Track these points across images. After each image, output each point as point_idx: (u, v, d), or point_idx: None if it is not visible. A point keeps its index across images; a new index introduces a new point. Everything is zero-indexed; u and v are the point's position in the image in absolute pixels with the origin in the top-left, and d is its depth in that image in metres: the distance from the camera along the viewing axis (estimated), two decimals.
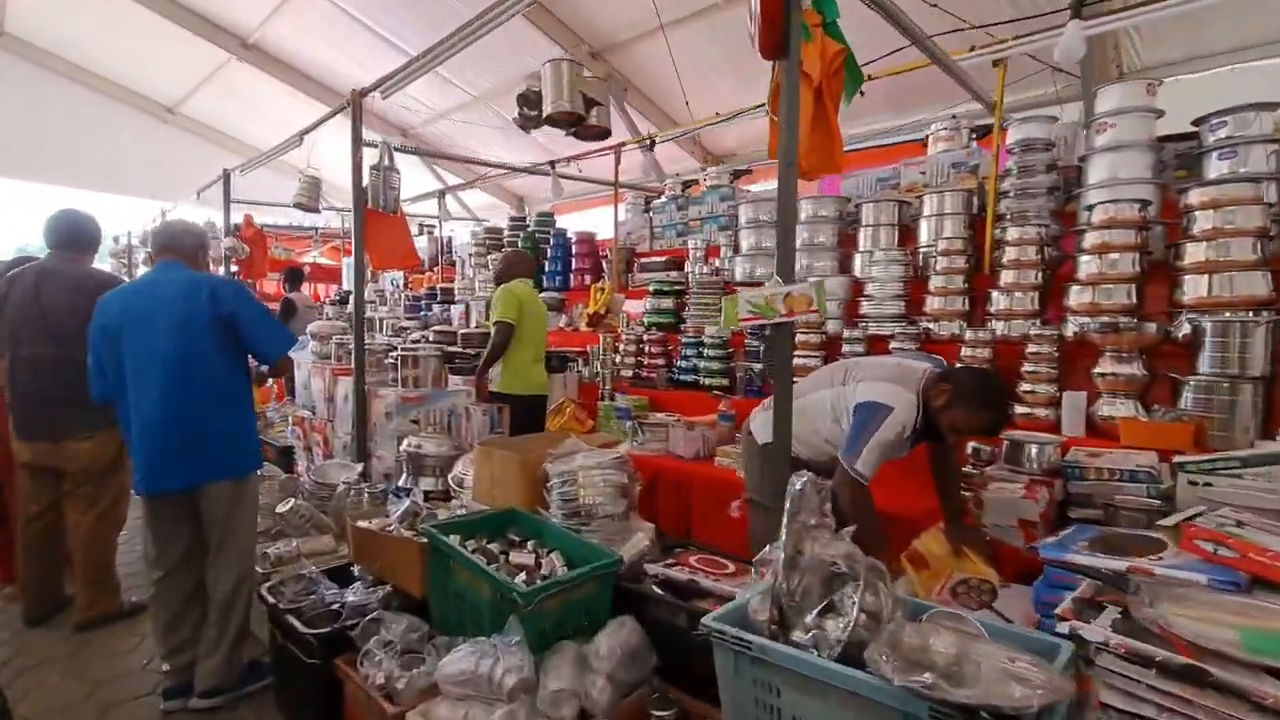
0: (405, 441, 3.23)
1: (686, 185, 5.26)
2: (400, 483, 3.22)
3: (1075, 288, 2.76)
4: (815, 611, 1.33)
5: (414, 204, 7.18)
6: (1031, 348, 2.74)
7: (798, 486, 1.43)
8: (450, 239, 7.91)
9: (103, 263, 8.10)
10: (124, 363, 2.23)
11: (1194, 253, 2.51)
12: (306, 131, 4.14)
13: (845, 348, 3.27)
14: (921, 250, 3.50)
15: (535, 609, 1.81)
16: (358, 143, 3.32)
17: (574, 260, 5.62)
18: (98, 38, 8.61)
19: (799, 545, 1.42)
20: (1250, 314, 2.35)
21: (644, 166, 4.24)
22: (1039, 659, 1.19)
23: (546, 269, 5.68)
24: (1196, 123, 2.83)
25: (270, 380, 4.33)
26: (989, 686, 1.06)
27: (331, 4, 6.68)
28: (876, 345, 3.27)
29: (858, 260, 3.77)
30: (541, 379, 3.76)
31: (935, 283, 3.21)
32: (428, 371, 3.51)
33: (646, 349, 4.20)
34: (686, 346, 3.98)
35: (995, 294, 3.04)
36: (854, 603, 1.25)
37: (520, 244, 5.86)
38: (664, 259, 4.90)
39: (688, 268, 4.76)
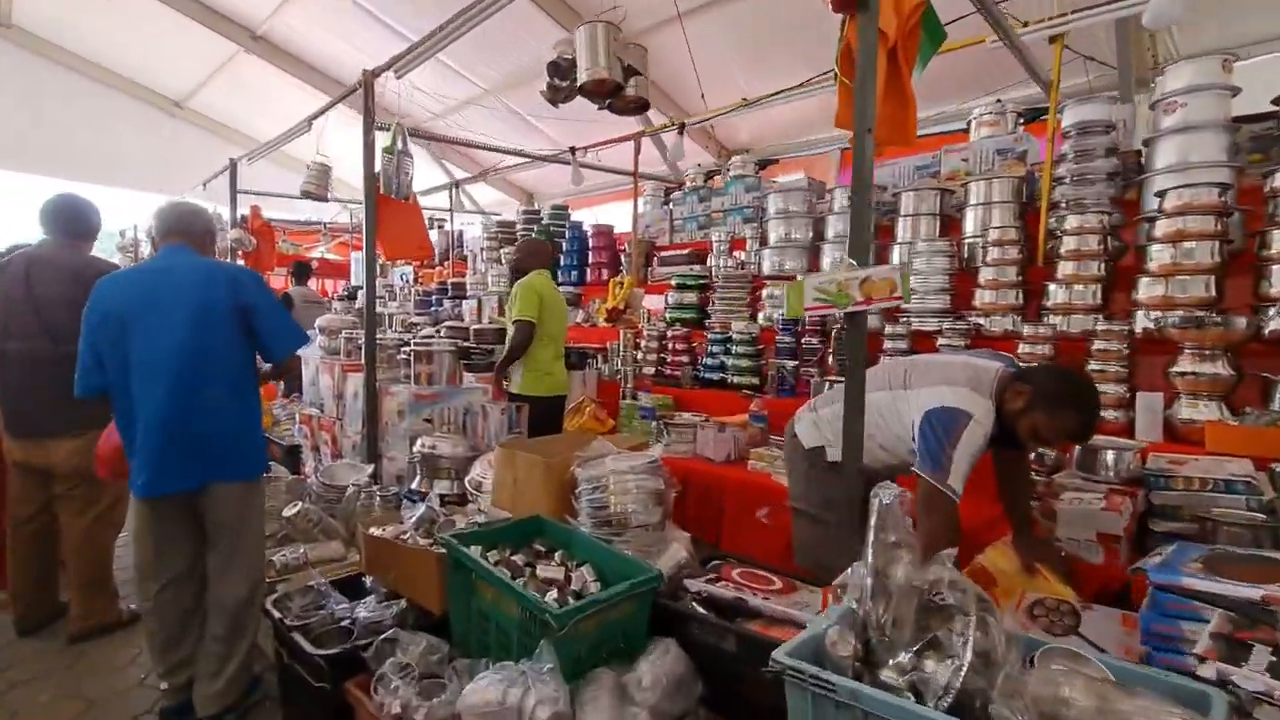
0: (419, 442, 3.04)
1: (709, 176, 5.06)
2: (414, 485, 3.03)
3: (1145, 280, 2.55)
4: (911, 648, 1.13)
5: (423, 197, 7.00)
6: (1098, 345, 2.52)
7: (885, 500, 1.23)
8: (461, 233, 7.73)
9: (110, 257, 7.99)
10: (129, 353, 2.03)
11: None
12: (315, 116, 3.96)
13: (887, 344, 3.07)
14: (967, 241, 3.29)
15: (570, 632, 1.61)
16: (370, 124, 3.13)
17: (591, 254, 5.42)
18: (106, 31, 8.50)
19: (887, 568, 1.22)
20: None
21: (672, 152, 4.04)
22: (1190, 713, 0.99)
23: (562, 263, 5.49)
24: (1278, 101, 2.61)
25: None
26: None
27: None
28: (920, 341, 3.06)
29: (896, 252, 3.56)
30: (562, 377, 3.55)
31: (985, 275, 3.00)
32: (442, 368, 3.32)
33: (670, 345, 4.00)
34: (713, 343, 3.78)
35: (1052, 287, 2.83)
36: (966, 641, 1.05)
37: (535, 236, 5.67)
38: (686, 252, 4.70)
39: (711, 261, 4.57)
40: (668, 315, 4.30)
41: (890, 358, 3.02)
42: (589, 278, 5.46)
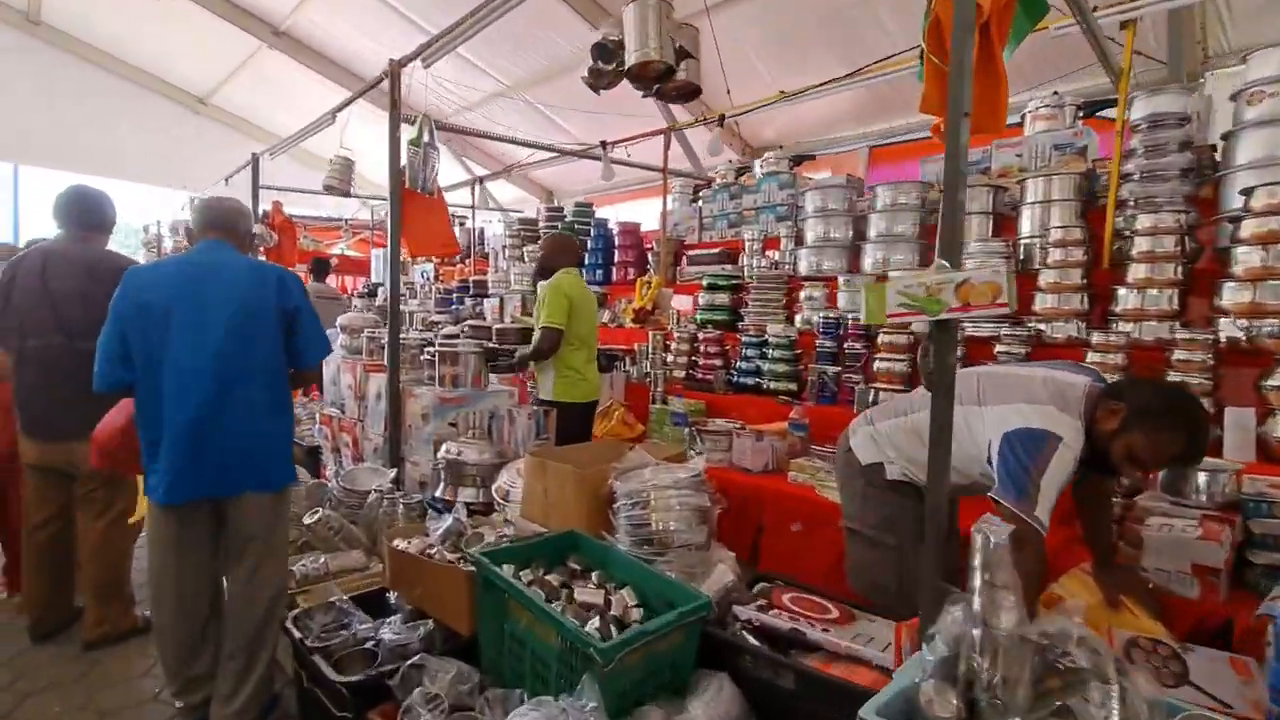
0: (444, 448, 2.91)
1: (740, 172, 4.89)
2: (438, 493, 2.91)
3: (1230, 285, 2.35)
4: (1033, 717, 0.97)
5: (445, 194, 6.92)
6: (1178, 354, 2.32)
7: (995, 539, 1.06)
8: (482, 230, 7.62)
9: (134, 254, 8.00)
10: (165, 348, 1.90)
11: None
12: (339, 108, 3.86)
13: None
14: (1023, 241, 3.09)
15: (616, 667, 1.47)
16: (396, 116, 3.01)
17: (617, 252, 5.28)
18: (132, 27, 8.55)
19: (992, 615, 1.06)
20: None
21: (710, 146, 3.88)
22: None
23: (587, 261, 5.34)
24: None
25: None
26: None
27: None
28: (975, 348, 2.87)
29: None
30: (595, 382, 3.38)
31: (1046, 278, 2.81)
32: (467, 369, 3.19)
33: (702, 348, 3.84)
34: (747, 346, 3.62)
35: (1122, 291, 2.63)
36: (1109, 717, 0.88)
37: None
38: (716, 251, 4.53)
39: (742, 261, 4.40)
40: (698, 316, 4.14)
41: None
42: (615, 277, 5.32)
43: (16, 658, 2.63)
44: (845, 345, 3.24)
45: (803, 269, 3.87)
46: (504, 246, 6.42)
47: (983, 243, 3.04)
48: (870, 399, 2.99)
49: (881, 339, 3.06)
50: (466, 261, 7.12)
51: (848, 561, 2.11)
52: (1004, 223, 3.30)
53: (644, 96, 2.26)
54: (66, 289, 2.56)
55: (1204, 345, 2.29)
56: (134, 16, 8.24)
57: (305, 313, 2.08)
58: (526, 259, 5.96)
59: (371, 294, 7.08)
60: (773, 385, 3.44)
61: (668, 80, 2.18)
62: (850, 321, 3.25)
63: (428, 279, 7.29)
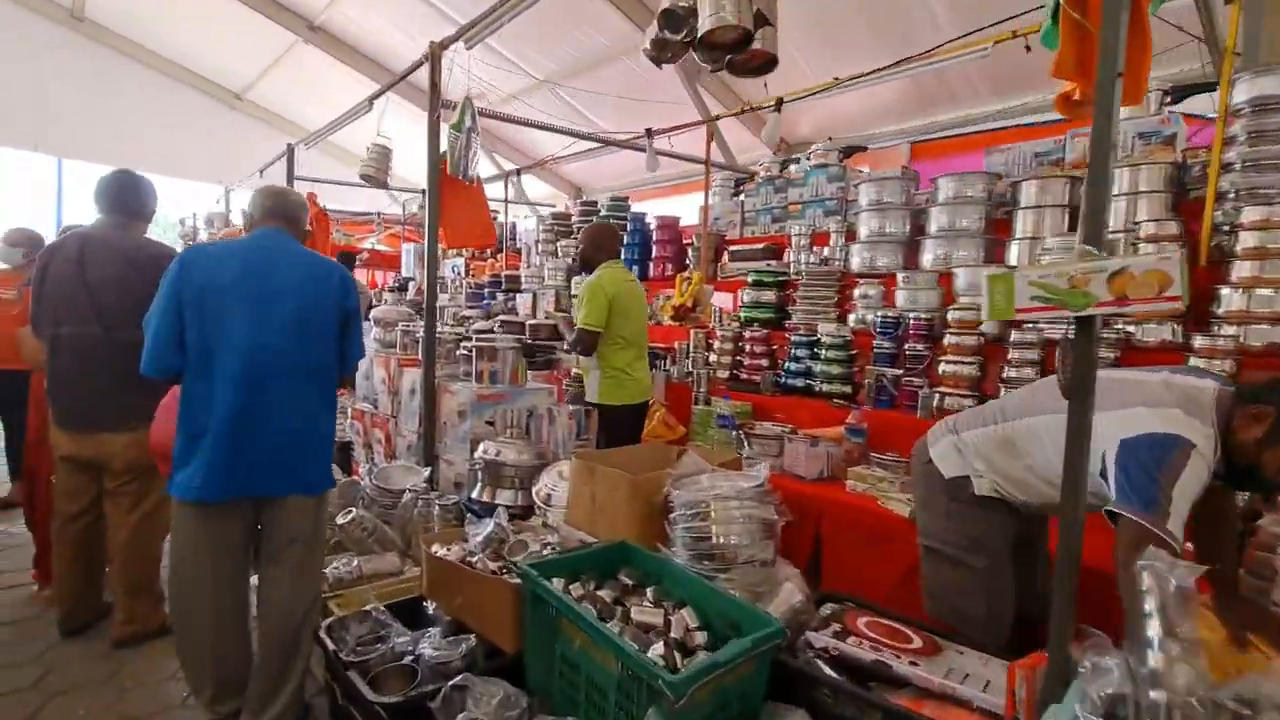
0: (481, 447, 2.78)
1: (785, 164, 4.69)
2: (474, 494, 2.78)
3: None
4: None
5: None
6: None
7: (1177, 581, 0.87)
8: (514, 225, 7.52)
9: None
10: (222, 336, 1.78)
11: None
12: (376, 95, 3.76)
13: (1013, 354, 2.67)
14: (1105, 236, 2.85)
15: (687, 703, 1.30)
16: (436, 100, 2.89)
17: (655, 247, 5.11)
18: (172, 23, 8.67)
19: (1172, 676, 0.87)
20: None
21: (768, 134, 3.68)
22: None
23: (623, 257, 5.18)
24: None
25: None
26: None
27: None
28: (1051, 350, 2.64)
29: (1014, 249, 3.14)
30: (646, 381, 3.18)
31: None
32: (505, 365, 3.06)
33: (747, 347, 3.66)
34: (797, 346, 3.42)
35: (1225, 291, 2.39)
36: None
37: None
38: (760, 246, 4.34)
39: (788, 256, 4.20)
40: (742, 314, 3.96)
41: (1013, 374, 2.62)
42: (652, 273, 5.15)
43: (46, 653, 2.57)
44: (906, 346, 3.04)
45: (855, 265, 3.66)
46: (536, 241, 6.30)
47: (1061, 238, 2.81)
48: (935, 404, 2.79)
49: (948, 340, 2.85)
50: (498, 256, 7.02)
51: (926, 583, 1.92)
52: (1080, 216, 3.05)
53: (713, 70, 2.09)
54: (104, 276, 2.48)
55: None
56: (174, 12, 8.35)
57: (357, 316, 2.02)
58: (560, 254, 5.84)
59: (402, 288, 7.03)
60: (825, 387, 3.24)
61: (742, 50, 2.00)
62: (911, 321, 3.04)
63: (458, 274, 7.20)
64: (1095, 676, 0.96)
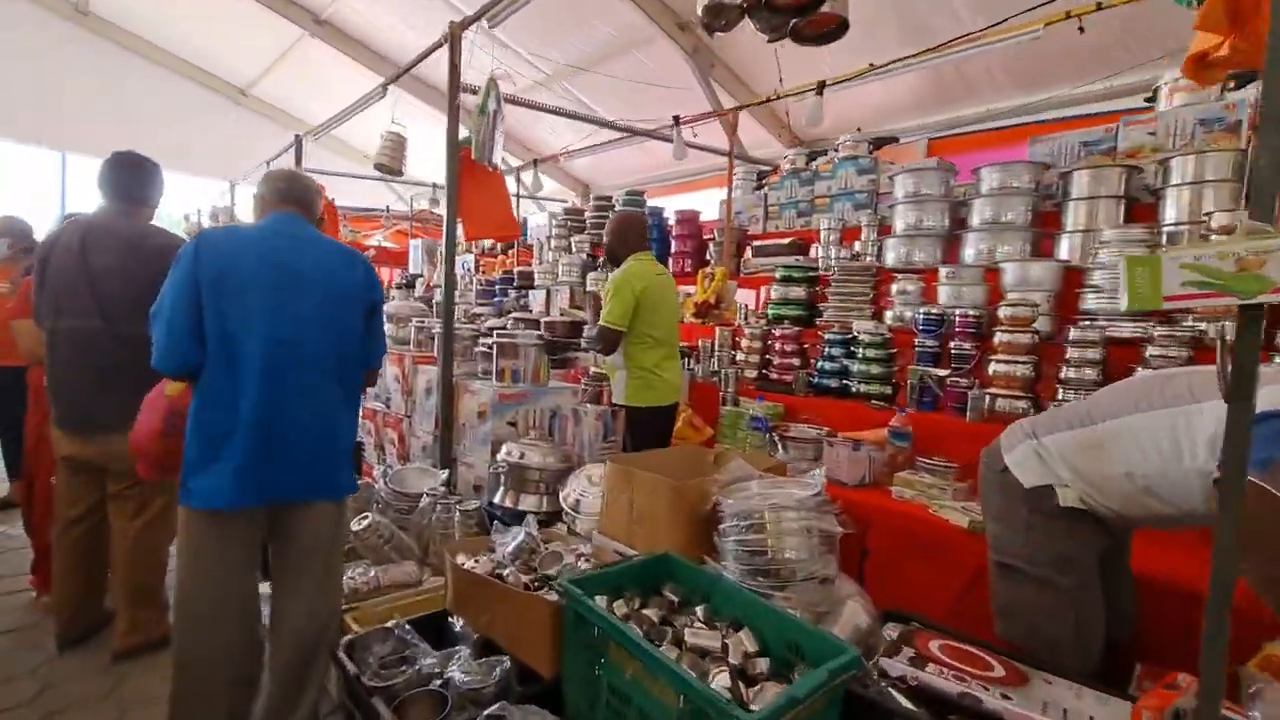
0: (504, 449, 2.63)
1: (812, 157, 4.52)
2: (496, 499, 2.63)
3: None
4: None
5: None
6: None
7: None
8: (525, 220, 7.36)
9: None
10: (246, 327, 1.62)
11: None
12: (394, 79, 3.61)
13: (1072, 352, 2.50)
14: (1165, 229, 2.69)
15: None
16: (455, 82, 2.73)
17: (674, 243, 4.96)
18: (177, 17, 8.54)
19: None
20: None
21: (810, 115, 3.51)
22: None
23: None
24: None
25: None
26: None
27: None
28: (1115, 352, 2.49)
29: (1064, 243, 2.98)
30: (674, 383, 3.01)
31: None
32: (528, 363, 2.90)
33: (777, 346, 3.50)
34: (831, 344, 3.26)
35: None
36: None
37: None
38: (786, 241, 4.18)
39: (816, 251, 4.04)
40: (770, 311, 3.80)
41: (1072, 374, 2.45)
42: (671, 269, 4.98)
43: (43, 666, 2.42)
44: (951, 345, 2.87)
45: (890, 261, 3.50)
46: (549, 236, 6.15)
47: (1121, 229, 2.65)
48: (985, 405, 2.62)
49: (998, 338, 2.68)
50: (508, 252, 6.87)
51: (998, 601, 1.76)
52: (1135, 209, 2.89)
53: (770, 40, 1.93)
54: (107, 264, 2.33)
55: None
56: (179, 6, 8.22)
57: (380, 308, 1.89)
58: (574, 249, 5.68)
59: (410, 285, 6.88)
60: (862, 388, 3.08)
61: (810, 12, 1.83)
62: (957, 318, 2.88)
63: (468, 270, 7.05)
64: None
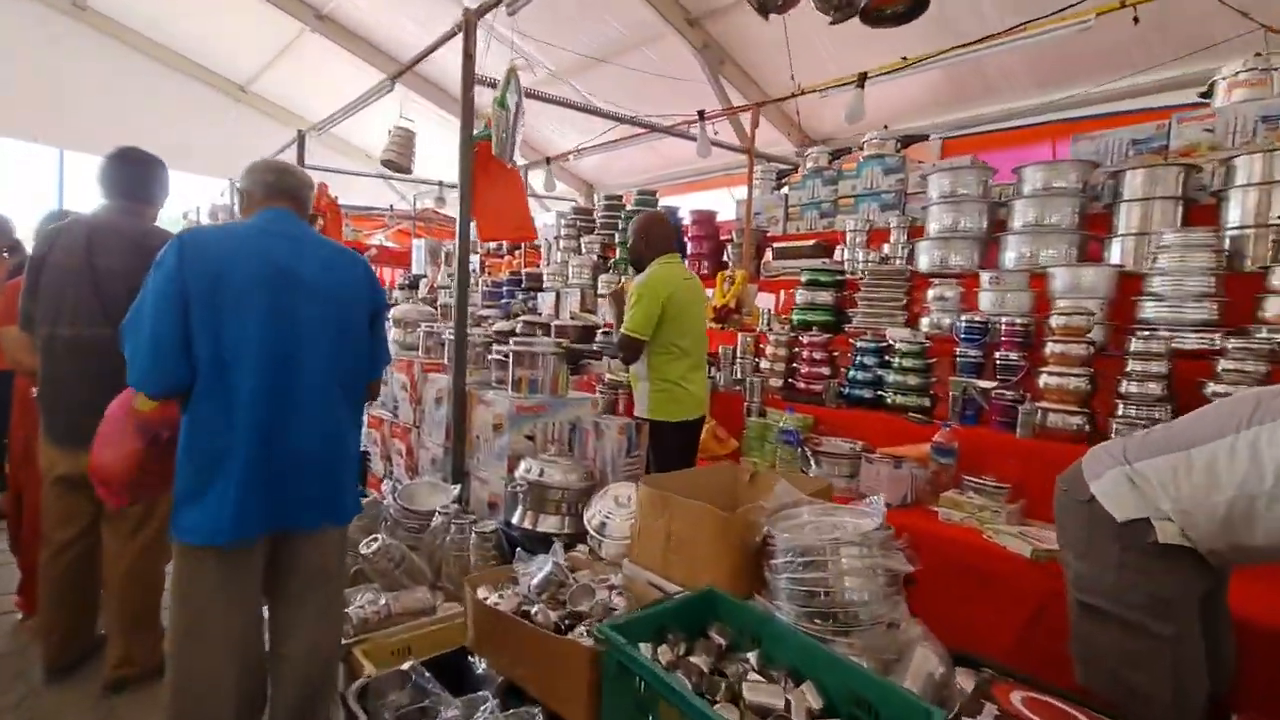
0: (522, 466, 2.46)
1: (835, 155, 4.36)
2: (514, 519, 2.46)
3: None
4: None
5: None
6: None
7: None
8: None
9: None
10: (243, 338, 1.46)
11: None
12: (401, 73, 3.44)
13: (1134, 365, 2.33)
14: (1229, 233, 2.53)
15: None
16: (470, 71, 2.56)
17: (689, 244, 4.79)
18: (176, 12, 8.42)
19: None
20: None
21: (850, 112, 3.32)
22: None
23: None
24: None
25: None
26: None
27: None
28: (1183, 365, 2.32)
29: (1116, 246, 2.81)
30: (701, 395, 2.83)
31: None
32: (546, 373, 2.73)
33: (805, 354, 3.33)
34: (863, 353, 3.09)
35: None
36: None
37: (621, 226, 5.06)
38: (810, 243, 4.01)
39: (842, 254, 3.88)
40: (795, 317, 3.63)
41: (1133, 388, 2.27)
42: None
43: (28, 698, 2.26)
44: (996, 355, 2.71)
45: (924, 264, 3.33)
46: (557, 237, 5.98)
47: (1182, 233, 2.48)
48: (1038, 420, 2.45)
49: (1049, 349, 2.51)
50: (516, 253, 6.70)
51: (1079, 646, 1.60)
52: (1193, 210, 2.72)
53: (832, 23, 1.77)
54: (113, 267, 2.17)
55: None
56: (179, 1, 8.07)
57: (384, 314, 1.75)
58: (584, 250, 5.51)
59: (413, 285, 6.71)
60: (899, 399, 2.91)
61: None
62: (1003, 326, 2.72)
63: (474, 271, 6.87)
64: None
